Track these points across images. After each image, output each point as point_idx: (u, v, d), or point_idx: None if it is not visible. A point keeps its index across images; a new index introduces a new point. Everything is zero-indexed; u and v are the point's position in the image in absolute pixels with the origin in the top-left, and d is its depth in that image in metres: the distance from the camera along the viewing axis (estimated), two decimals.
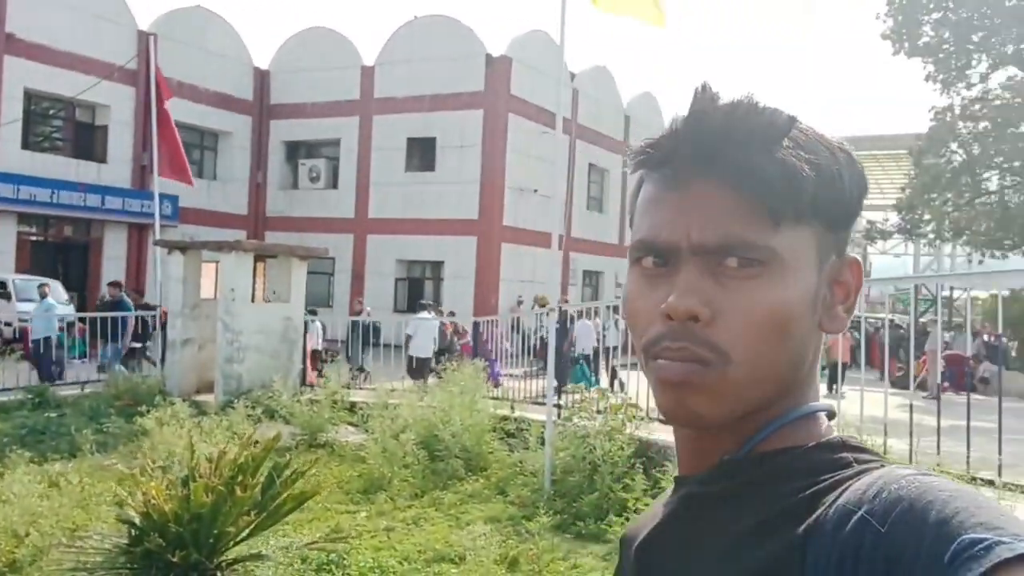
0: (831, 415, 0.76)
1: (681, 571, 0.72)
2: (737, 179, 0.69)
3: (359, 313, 15.98)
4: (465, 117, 24.53)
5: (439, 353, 14.18)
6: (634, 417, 7.49)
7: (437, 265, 25.33)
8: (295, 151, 28.11)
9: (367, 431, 9.25)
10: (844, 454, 0.69)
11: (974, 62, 22.53)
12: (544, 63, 25.94)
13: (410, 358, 13.47)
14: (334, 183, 26.93)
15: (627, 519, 6.12)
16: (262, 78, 27.62)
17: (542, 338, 13.02)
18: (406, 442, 8.27)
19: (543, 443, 7.72)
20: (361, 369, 13.25)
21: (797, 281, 0.70)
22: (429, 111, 24.86)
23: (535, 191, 25.32)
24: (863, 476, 0.65)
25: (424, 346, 13.56)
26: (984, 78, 22.79)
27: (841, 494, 0.63)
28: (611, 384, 12.52)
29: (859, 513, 0.60)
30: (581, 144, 26.60)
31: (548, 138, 25.89)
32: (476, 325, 12.97)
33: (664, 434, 7.38)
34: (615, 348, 13.03)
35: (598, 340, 12.39)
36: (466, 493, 7.78)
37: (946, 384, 12.68)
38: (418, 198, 25.07)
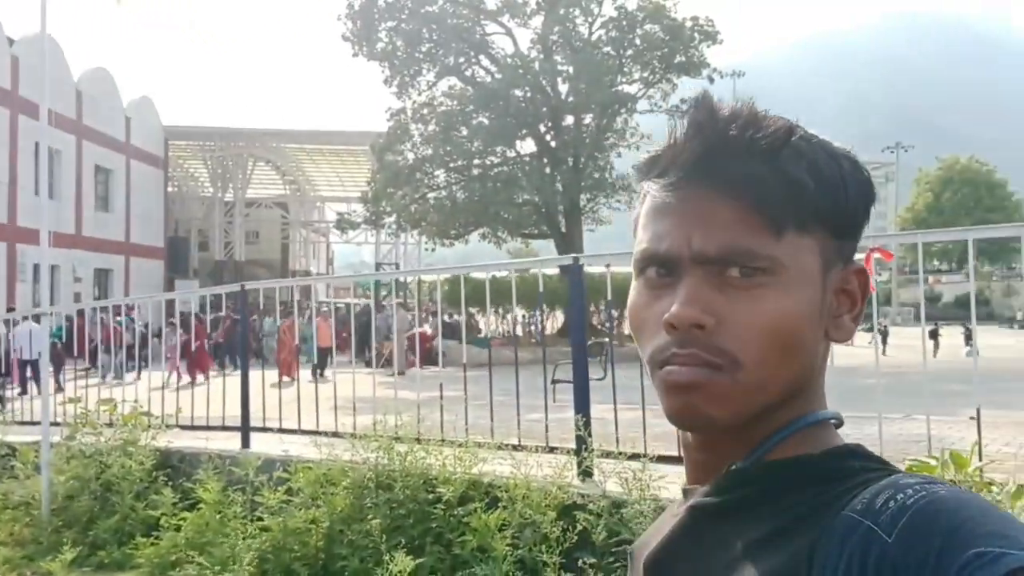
0: (839, 423, 0.76)
1: None
2: (737, 189, 0.69)
3: None
4: None
5: None
6: (150, 426, 6.87)
7: None
8: None
9: None
10: (852, 462, 0.69)
11: (424, 70, 25.15)
12: None
13: None
14: None
15: (158, 539, 5.64)
16: None
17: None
18: None
19: (38, 469, 6.67)
20: None
21: (801, 290, 0.70)
22: None
23: None
24: (870, 485, 0.64)
25: None
26: (432, 86, 25.64)
27: (847, 503, 0.63)
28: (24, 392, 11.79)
29: (865, 523, 0.60)
30: (24, 119, 23.28)
31: None
32: None
33: (189, 440, 6.91)
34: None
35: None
36: None
37: (412, 358, 13.65)
38: None
